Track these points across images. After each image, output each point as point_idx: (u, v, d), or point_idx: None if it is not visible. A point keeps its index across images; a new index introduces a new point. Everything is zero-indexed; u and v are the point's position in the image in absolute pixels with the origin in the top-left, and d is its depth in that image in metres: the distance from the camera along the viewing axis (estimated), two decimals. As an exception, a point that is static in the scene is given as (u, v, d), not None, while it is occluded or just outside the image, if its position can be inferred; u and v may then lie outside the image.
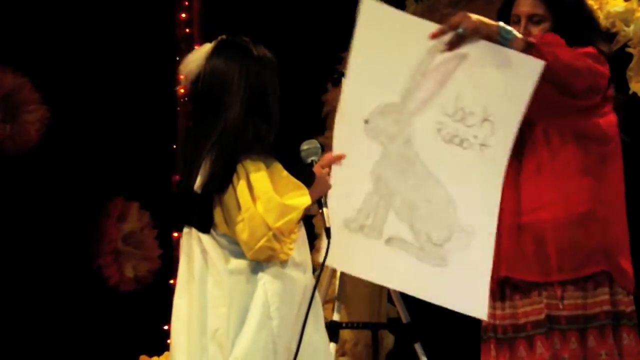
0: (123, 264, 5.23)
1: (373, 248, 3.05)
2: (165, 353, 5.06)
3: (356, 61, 2.80)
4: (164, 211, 5.01)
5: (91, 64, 5.12)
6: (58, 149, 5.03)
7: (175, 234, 5.38)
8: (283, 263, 2.54)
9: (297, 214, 2.52)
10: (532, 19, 3.14)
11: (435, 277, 3.09)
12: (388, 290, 4.52)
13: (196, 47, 5.35)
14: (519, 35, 2.95)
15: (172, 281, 5.18)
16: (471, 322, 3.38)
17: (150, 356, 5.10)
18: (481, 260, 3.09)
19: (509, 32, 2.93)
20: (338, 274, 4.05)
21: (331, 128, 5.30)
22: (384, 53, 3.05)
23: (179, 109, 5.43)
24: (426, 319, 3.76)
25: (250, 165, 2.51)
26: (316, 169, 2.72)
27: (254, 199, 2.48)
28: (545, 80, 2.94)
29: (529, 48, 2.93)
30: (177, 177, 5.24)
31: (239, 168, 2.50)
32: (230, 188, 2.50)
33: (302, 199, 2.55)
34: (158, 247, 5.36)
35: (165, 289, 5.23)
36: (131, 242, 5.29)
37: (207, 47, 2.64)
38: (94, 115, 5.12)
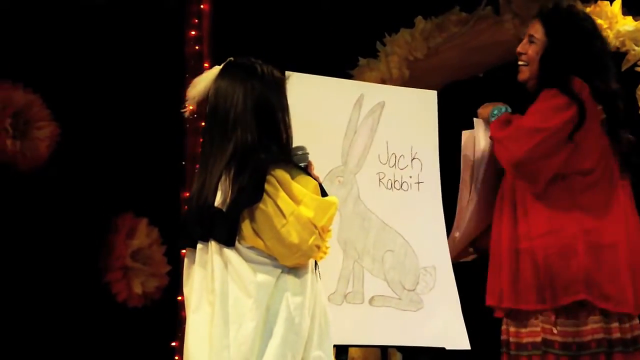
0: (132, 280, 5.23)
1: (359, 313, 3.12)
2: (174, 369, 5.06)
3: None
4: (175, 230, 5.01)
5: (101, 80, 5.15)
6: (68, 165, 5.05)
7: (184, 251, 5.38)
8: (303, 275, 2.55)
9: (335, 209, 2.58)
10: (530, 39, 3.34)
11: (417, 322, 3.23)
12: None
13: (205, 65, 5.47)
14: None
15: (180, 298, 5.18)
16: (479, 342, 3.40)
17: (158, 372, 5.11)
18: (449, 295, 3.19)
19: (494, 116, 3.34)
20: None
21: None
22: (319, 121, 3.12)
23: (187, 125, 5.45)
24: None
25: (280, 174, 2.56)
26: None
27: (296, 202, 2.52)
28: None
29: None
30: (187, 194, 5.31)
31: (270, 178, 2.53)
32: (267, 197, 2.52)
33: (333, 197, 2.62)
34: (167, 263, 5.37)
35: (174, 306, 5.24)
36: (140, 258, 5.30)
37: (216, 69, 2.67)
38: (103, 131, 5.14)
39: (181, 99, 5.43)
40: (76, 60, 5.07)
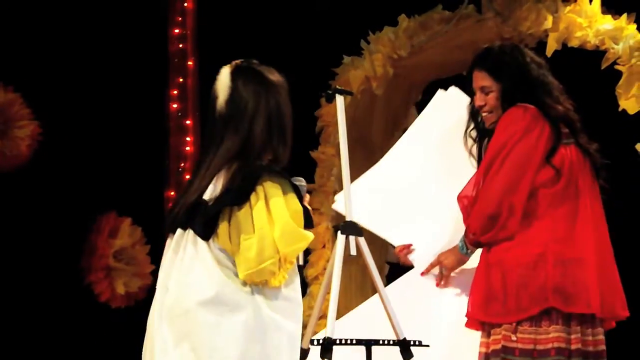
0: (114, 280, 5.21)
1: None
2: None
3: None
4: (159, 228, 4.99)
5: (83, 78, 5.13)
6: (49, 164, 5.02)
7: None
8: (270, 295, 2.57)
9: (304, 244, 2.60)
10: (483, 91, 3.44)
11: None
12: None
13: (189, 63, 5.46)
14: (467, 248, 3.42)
15: (163, 297, 5.16)
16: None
17: (142, 373, 5.08)
18: None
19: (463, 248, 3.43)
20: (332, 291, 4.04)
21: (325, 143, 5.35)
22: None
23: (171, 124, 5.44)
24: (420, 337, 3.80)
25: (270, 187, 2.58)
26: None
27: (270, 221, 2.55)
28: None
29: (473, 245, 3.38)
30: (170, 193, 5.30)
31: (259, 188, 2.57)
32: (247, 205, 2.56)
33: (309, 233, 2.63)
34: (150, 263, 5.34)
35: (157, 305, 5.22)
36: (123, 258, 5.27)
37: (226, 70, 2.69)
38: (85, 130, 5.12)
39: (165, 97, 5.47)
40: (58, 58, 5.05)
